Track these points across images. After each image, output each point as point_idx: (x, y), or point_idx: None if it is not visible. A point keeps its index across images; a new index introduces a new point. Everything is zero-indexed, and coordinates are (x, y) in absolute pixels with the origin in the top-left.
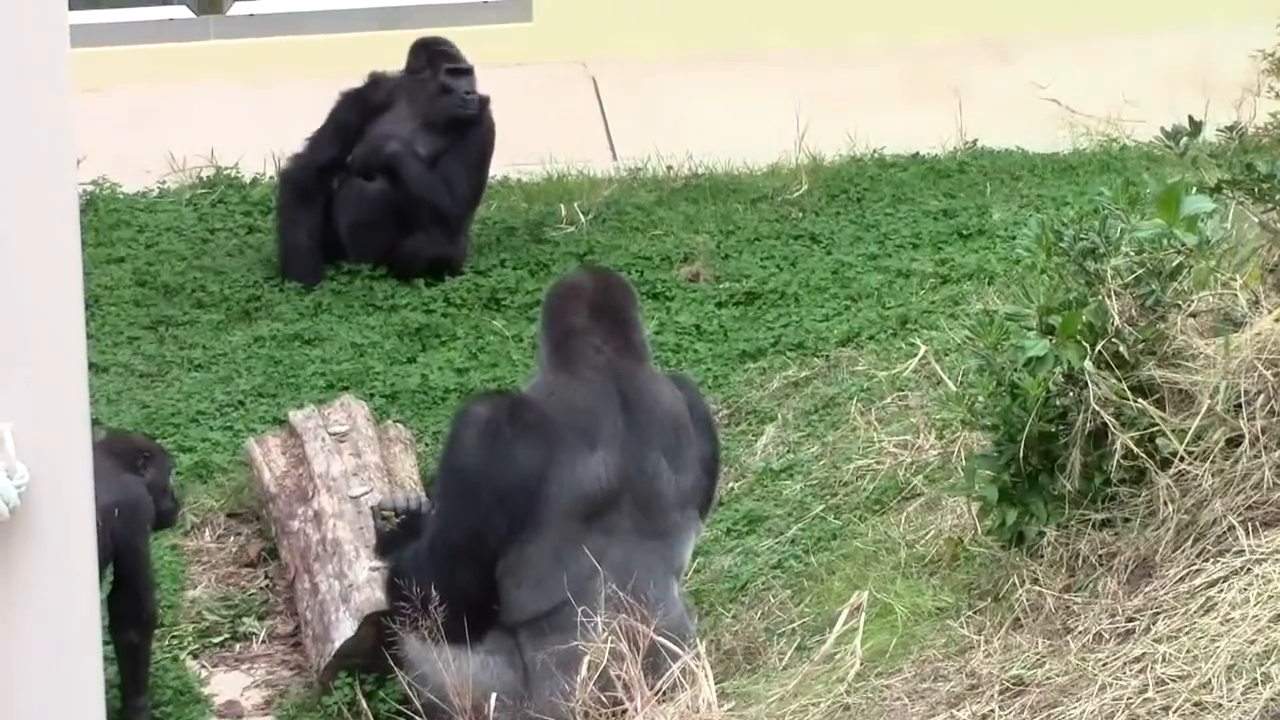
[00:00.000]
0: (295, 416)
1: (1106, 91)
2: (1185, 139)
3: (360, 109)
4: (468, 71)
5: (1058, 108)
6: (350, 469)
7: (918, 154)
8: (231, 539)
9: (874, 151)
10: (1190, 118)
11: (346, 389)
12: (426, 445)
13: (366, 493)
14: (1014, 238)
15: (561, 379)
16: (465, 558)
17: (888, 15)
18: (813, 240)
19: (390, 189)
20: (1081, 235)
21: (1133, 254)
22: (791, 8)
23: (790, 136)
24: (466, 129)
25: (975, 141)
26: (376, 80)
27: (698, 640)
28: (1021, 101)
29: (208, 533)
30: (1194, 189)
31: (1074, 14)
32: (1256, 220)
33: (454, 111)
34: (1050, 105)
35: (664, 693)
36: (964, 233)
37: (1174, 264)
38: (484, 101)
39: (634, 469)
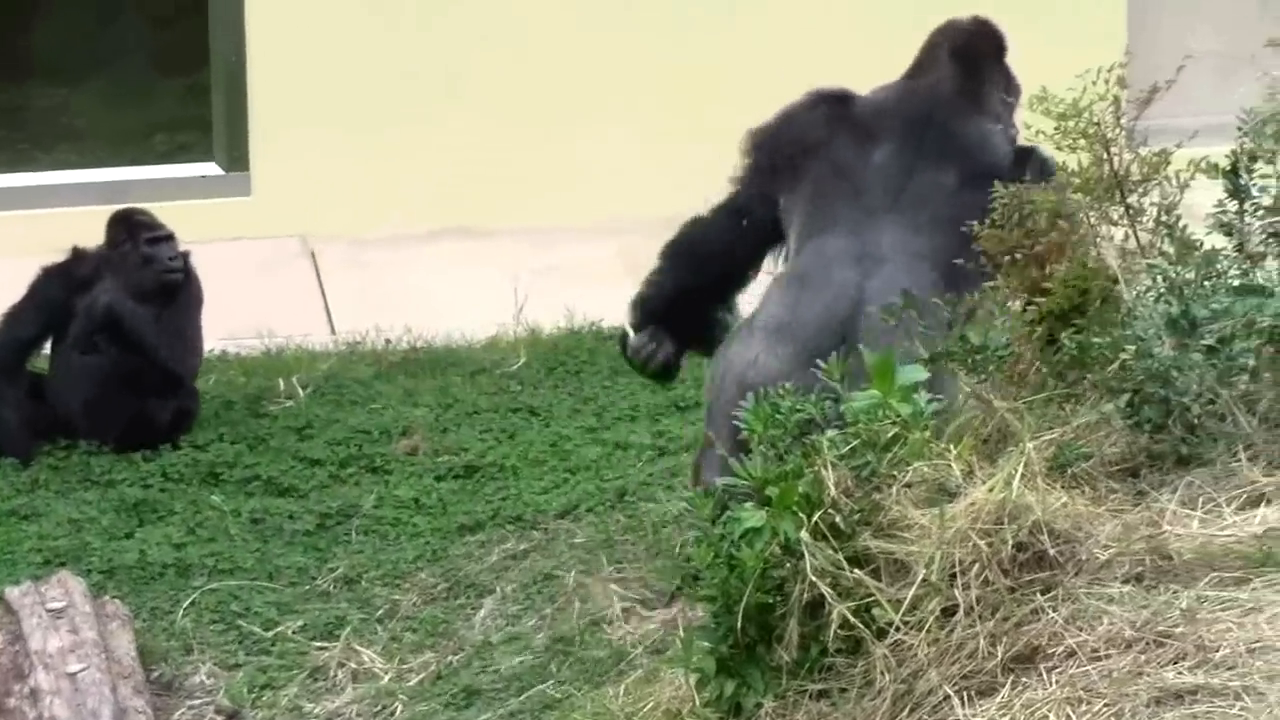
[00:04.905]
0: (11, 593)
1: None
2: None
3: (64, 284)
4: (168, 238)
5: None
6: (68, 645)
7: None
8: None
9: (592, 324)
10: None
11: (64, 565)
12: (143, 621)
13: (84, 669)
14: None
15: (893, 89)
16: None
17: (604, 190)
18: (531, 413)
19: (119, 357)
20: (797, 407)
21: (849, 425)
22: (510, 183)
23: (509, 310)
24: (176, 292)
25: None
26: (80, 255)
27: None
28: None
29: None
30: (909, 360)
31: None
32: (970, 391)
33: (162, 279)
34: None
35: None
36: (681, 405)
37: (889, 435)
38: (185, 257)
39: (912, 175)
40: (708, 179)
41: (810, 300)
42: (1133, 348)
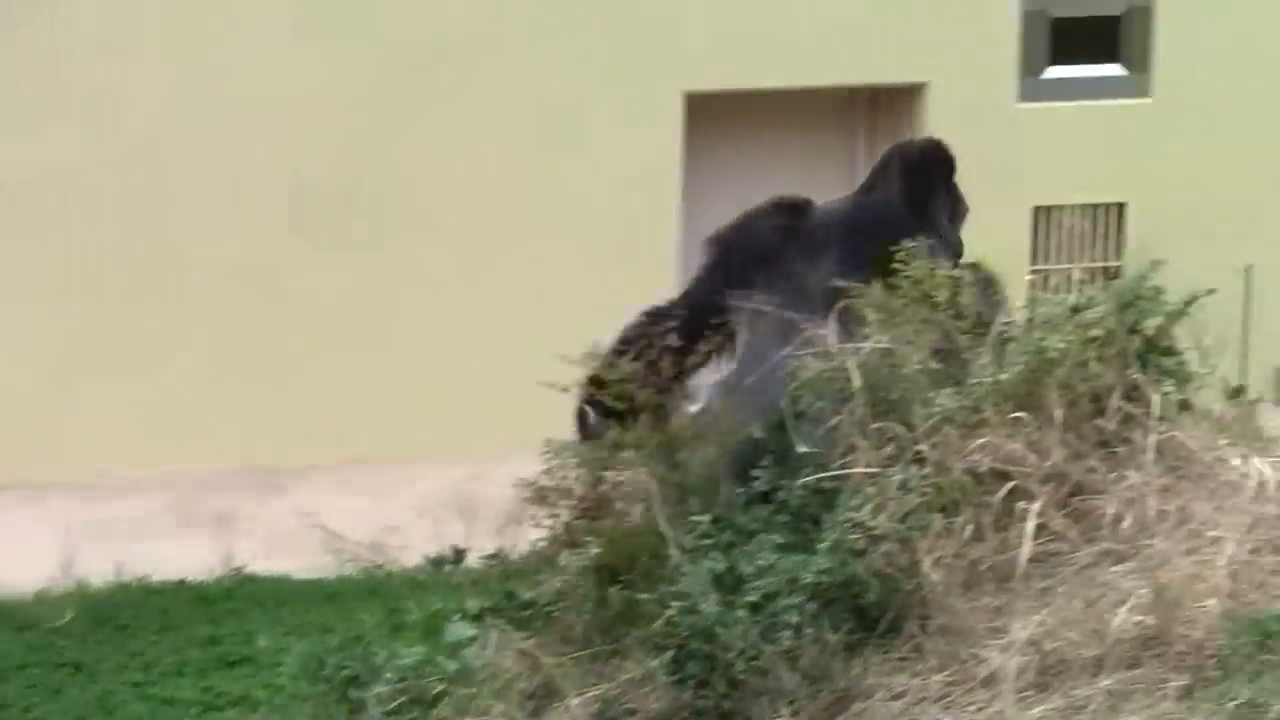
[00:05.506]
0: None
1: (371, 519)
2: (449, 565)
3: None
4: None
5: (324, 534)
6: None
7: (184, 581)
8: None
9: (141, 578)
10: (454, 546)
11: None
12: None
13: None
14: (279, 665)
15: (847, 201)
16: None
17: (154, 444)
18: (76, 668)
19: None
20: (344, 663)
21: (395, 681)
22: (59, 436)
23: (57, 564)
24: None
25: (243, 568)
26: None
27: None
28: (289, 528)
29: None
30: (457, 616)
31: (339, 443)
32: (517, 647)
33: None
34: (317, 532)
35: None
36: (230, 660)
37: (436, 691)
38: None
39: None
40: (274, 430)
41: (746, 405)
42: (679, 604)
